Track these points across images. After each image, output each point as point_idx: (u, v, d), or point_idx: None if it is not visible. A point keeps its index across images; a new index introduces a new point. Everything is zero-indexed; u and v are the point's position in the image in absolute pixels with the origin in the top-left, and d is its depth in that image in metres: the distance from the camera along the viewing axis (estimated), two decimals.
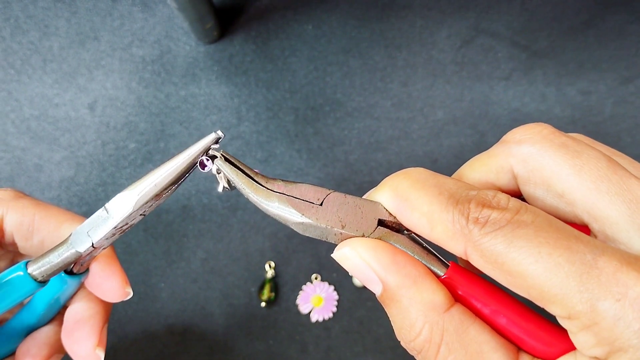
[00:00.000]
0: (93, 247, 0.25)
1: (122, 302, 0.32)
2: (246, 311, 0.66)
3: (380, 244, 0.21)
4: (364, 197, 0.23)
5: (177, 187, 0.24)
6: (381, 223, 0.22)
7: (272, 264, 0.67)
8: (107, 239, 0.25)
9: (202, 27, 0.73)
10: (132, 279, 0.67)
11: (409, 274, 0.20)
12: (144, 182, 0.23)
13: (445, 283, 0.21)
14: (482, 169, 0.23)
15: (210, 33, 0.75)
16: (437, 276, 0.21)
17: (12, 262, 0.34)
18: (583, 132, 0.74)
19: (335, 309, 0.66)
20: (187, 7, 0.68)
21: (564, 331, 0.19)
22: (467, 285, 0.21)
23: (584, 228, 0.20)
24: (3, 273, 0.27)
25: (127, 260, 0.68)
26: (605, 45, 0.77)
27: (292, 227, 0.22)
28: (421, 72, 0.76)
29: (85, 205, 0.70)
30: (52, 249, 0.26)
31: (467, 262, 0.19)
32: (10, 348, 0.32)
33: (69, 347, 0.31)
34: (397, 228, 0.22)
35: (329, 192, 0.22)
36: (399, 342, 0.21)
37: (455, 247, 0.19)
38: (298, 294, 0.66)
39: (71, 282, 0.30)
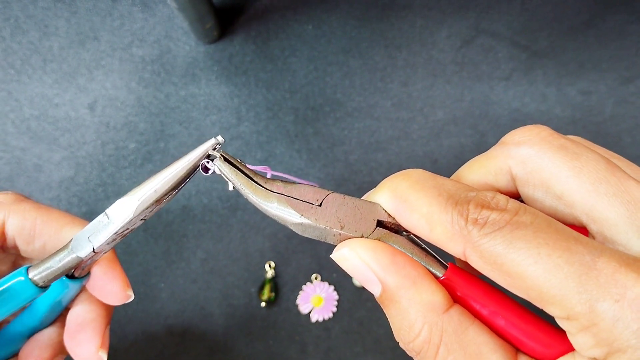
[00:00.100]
0: (94, 252, 0.25)
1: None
2: (246, 311, 0.66)
3: (379, 244, 0.21)
4: (362, 198, 0.23)
5: (177, 192, 0.24)
6: (380, 224, 0.22)
7: (272, 264, 0.67)
8: (107, 243, 0.25)
9: (202, 27, 0.73)
10: (132, 279, 0.67)
11: (408, 274, 0.20)
12: (144, 188, 0.23)
13: (444, 284, 0.21)
14: (480, 170, 0.23)
15: (210, 33, 0.75)
16: (436, 277, 0.21)
17: (14, 265, 0.34)
18: (583, 132, 0.74)
19: (335, 309, 0.66)
20: (187, 7, 0.68)
21: (562, 332, 0.19)
22: (466, 287, 0.21)
23: (583, 229, 0.20)
24: (4, 278, 0.27)
25: (127, 261, 0.68)
26: (606, 45, 0.77)
27: (291, 227, 0.22)
28: (421, 72, 0.76)
29: (84, 206, 0.70)
30: (53, 254, 0.26)
31: (466, 263, 0.19)
32: (12, 350, 0.32)
33: (72, 350, 0.31)
34: (396, 229, 0.22)
35: (327, 192, 0.22)
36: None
37: (454, 248, 0.19)
38: (298, 294, 0.66)
39: (73, 286, 0.30)
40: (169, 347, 0.65)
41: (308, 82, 0.76)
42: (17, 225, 0.31)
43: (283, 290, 0.67)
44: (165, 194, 0.23)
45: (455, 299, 0.21)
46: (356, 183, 0.71)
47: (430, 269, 0.21)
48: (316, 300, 0.66)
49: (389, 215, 0.21)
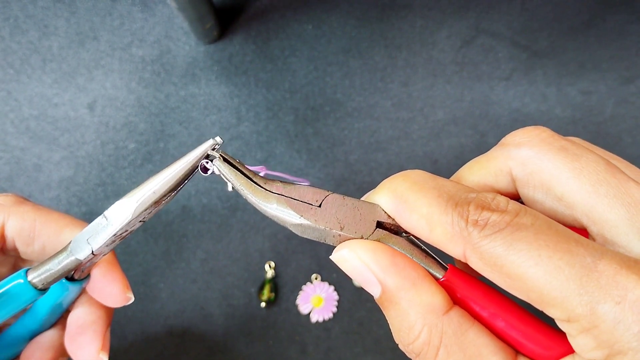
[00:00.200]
0: (93, 254, 0.25)
1: None
2: (246, 312, 0.66)
3: (379, 245, 0.21)
4: (362, 198, 0.23)
5: (176, 194, 0.24)
6: (380, 225, 0.22)
7: (272, 264, 0.67)
8: (107, 245, 0.25)
9: (202, 27, 0.73)
10: (132, 279, 0.67)
11: (408, 276, 0.20)
12: (143, 189, 0.23)
13: (444, 286, 0.20)
14: (480, 171, 0.23)
15: (210, 33, 0.75)
16: (436, 279, 0.21)
17: (14, 267, 0.34)
18: (584, 132, 0.74)
19: (335, 310, 0.66)
20: (187, 7, 0.68)
21: (562, 334, 0.18)
22: (466, 288, 0.20)
23: (583, 231, 0.20)
24: (3, 281, 0.27)
25: (127, 261, 0.68)
26: (606, 46, 0.77)
27: (291, 228, 0.22)
28: (421, 72, 0.76)
29: (84, 206, 0.70)
30: (52, 256, 0.26)
31: (465, 265, 0.19)
32: (13, 353, 0.32)
33: (73, 352, 0.31)
34: (395, 230, 0.22)
35: (327, 193, 0.22)
36: None
37: (454, 249, 0.19)
38: (298, 294, 0.66)
39: (72, 288, 0.30)
40: (168, 348, 0.65)
41: (308, 82, 0.76)
42: (16, 227, 0.31)
43: (283, 291, 0.67)
44: (164, 195, 0.23)
45: (455, 300, 0.20)
46: (356, 183, 0.71)
47: (430, 270, 0.21)
48: (316, 301, 0.66)
49: (389, 216, 0.21)
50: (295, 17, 0.79)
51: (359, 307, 0.66)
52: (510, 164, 0.22)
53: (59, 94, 0.75)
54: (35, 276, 0.27)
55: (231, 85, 0.75)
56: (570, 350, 0.18)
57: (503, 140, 0.23)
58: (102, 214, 0.24)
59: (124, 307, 0.32)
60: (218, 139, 0.23)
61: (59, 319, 0.33)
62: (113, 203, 0.24)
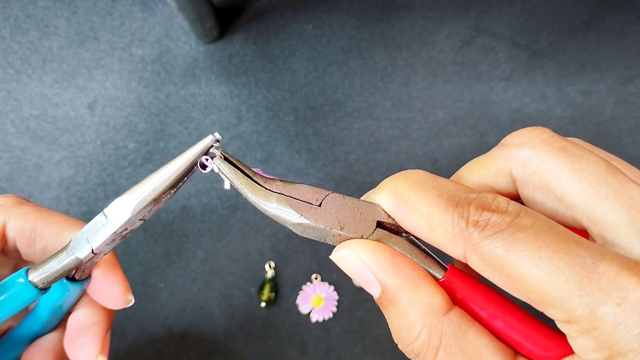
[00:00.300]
0: (93, 253, 0.25)
1: None
2: (246, 311, 0.66)
3: (379, 245, 0.21)
4: (362, 198, 0.23)
5: (176, 191, 0.23)
6: (380, 225, 0.22)
7: (272, 264, 0.67)
8: (107, 244, 0.24)
9: (202, 26, 0.73)
10: (132, 279, 0.67)
11: (408, 276, 0.20)
12: (142, 187, 0.23)
13: (444, 286, 0.20)
14: (481, 171, 0.23)
15: (210, 33, 0.75)
16: (436, 279, 0.21)
17: (15, 269, 0.34)
18: (584, 132, 0.74)
19: (335, 309, 0.66)
20: (187, 6, 0.68)
21: (562, 335, 0.18)
22: (466, 289, 0.20)
23: (583, 232, 0.20)
24: (4, 281, 0.27)
25: (127, 261, 0.68)
26: (606, 46, 0.77)
27: (291, 227, 0.22)
28: (421, 72, 0.76)
29: (84, 205, 0.70)
30: (52, 255, 0.26)
31: (465, 265, 0.19)
32: (14, 355, 0.32)
33: (72, 354, 0.31)
34: (395, 230, 0.22)
35: (327, 193, 0.22)
36: None
37: (454, 249, 0.19)
38: (298, 294, 0.66)
39: (73, 289, 0.30)
40: (168, 347, 0.65)
41: (308, 82, 0.76)
42: (17, 228, 0.31)
43: (283, 290, 0.67)
44: (164, 193, 0.23)
45: (455, 300, 0.20)
46: (356, 183, 0.71)
47: (430, 270, 0.21)
48: (316, 301, 0.66)
49: (389, 216, 0.21)
50: (295, 17, 0.79)
51: (359, 307, 0.66)
52: (510, 165, 0.22)
53: (59, 93, 0.75)
54: (36, 275, 0.26)
55: (231, 85, 0.75)
56: (570, 352, 0.18)
57: (503, 140, 0.23)
58: (102, 212, 0.24)
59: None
60: (217, 134, 0.23)
61: (60, 321, 0.33)
62: (111, 203, 0.24)
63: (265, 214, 0.22)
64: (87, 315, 0.31)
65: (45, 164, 0.72)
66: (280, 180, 0.23)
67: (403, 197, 0.20)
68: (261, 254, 0.68)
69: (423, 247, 0.21)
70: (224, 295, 0.67)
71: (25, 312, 0.33)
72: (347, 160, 0.72)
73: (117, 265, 0.31)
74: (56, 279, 0.27)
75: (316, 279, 0.67)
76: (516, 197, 0.22)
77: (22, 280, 0.27)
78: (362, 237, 0.21)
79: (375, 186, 0.22)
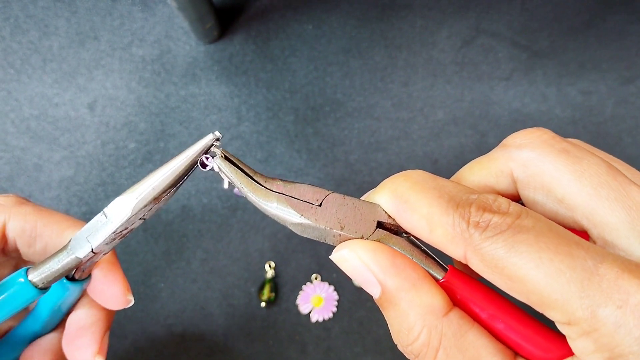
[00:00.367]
0: (93, 252, 0.25)
1: None
2: (246, 311, 0.66)
3: (379, 246, 0.21)
4: (362, 198, 0.23)
5: (176, 190, 0.23)
6: (380, 225, 0.22)
7: (272, 264, 0.67)
8: (106, 244, 0.24)
9: (202, 26, 0.73)
10: (132, 279, 0.67)
11: (408, 276, 0.20)
12: (142, 186, 0.23)
13: (444, 287, 0.20)
14: (481, 172, 0.23)
15: (210, 33, 0.75)
16: (436, 280, 0.21)
17: (16, 269, 0.34)
18: (584, 132, 0.74)
19: (335, 309, 0.66)
20: (187, 6, 0.68)
21: (561, 337, 0.18)
22: (466, 290, 0.20)
23: (583, 233, 0.20)
24: (4, 281, 0.27)
25: (127, 261, 0.68)
26: (606, 46, 0.77)
27: (291, 227, 0.22)
28: (421, 72, 0.76)
29: (84, 205, 0.70)
30: (52, 255, 0.26)
31: (465, 266, 0.19)
32: (14, 356, 0.32)
33: (70, 354, 0.30)
34: (395, 230, 0.22)
35: (327, 192, 0.22)
36: None
37: (454, 250, 0.19)
38: (298, 294, 0.66)
39: (73, 289, 0.30)
40: (168, 347, 0.65)
41: (308, 82, 0.76)
42: (18, 228, 0.31)
43: (283, 290, 0.67)
44: (164, 191, 0.23)
45: (455, 301, 0.20)
46: (356, 183, 0.71)
47: (430, 271, 0.21)
48: (316, 301, 0.66)
49: (389, 216, 0.21)
50: (295, 17, 0.79)
51: (359, 307, 0.66)
52: (511, 166, 0.22)
53: (60, 93, 0.75)
54: (36, 275, 0.26)
55: (231, 85, 0.75)
56: (570, 353, 0.18)
57: (504, 141, 0.23)
58: (102, 211, 0.24)
59: None
60: (217, 133, 0.23)
61: (60, 321, 0.33)
62: (111, 202, 0.24)
63: (265, 214, 0.22)
64: (86, 316, 0.31)
65: (46, 164, 0.72)
66: (281, 180, 0.23)
67: (403, 197, 0.20)
68: (261, 254, 0.68)
69: (423, 247, 0.21)
70: (224, 295, 0.67)
71: (25, 312, 0.33)
72: (347, 160, 0.72)
73: (117, 265, 0.31)
74: (56, 278, 0.27)
75: (316, 279, 0.67)
76: (517, 198, 0.22)
77: (22, 280, 0.27)
78: (362, 238, 0.21)
79: (375, 186, 0.22)
